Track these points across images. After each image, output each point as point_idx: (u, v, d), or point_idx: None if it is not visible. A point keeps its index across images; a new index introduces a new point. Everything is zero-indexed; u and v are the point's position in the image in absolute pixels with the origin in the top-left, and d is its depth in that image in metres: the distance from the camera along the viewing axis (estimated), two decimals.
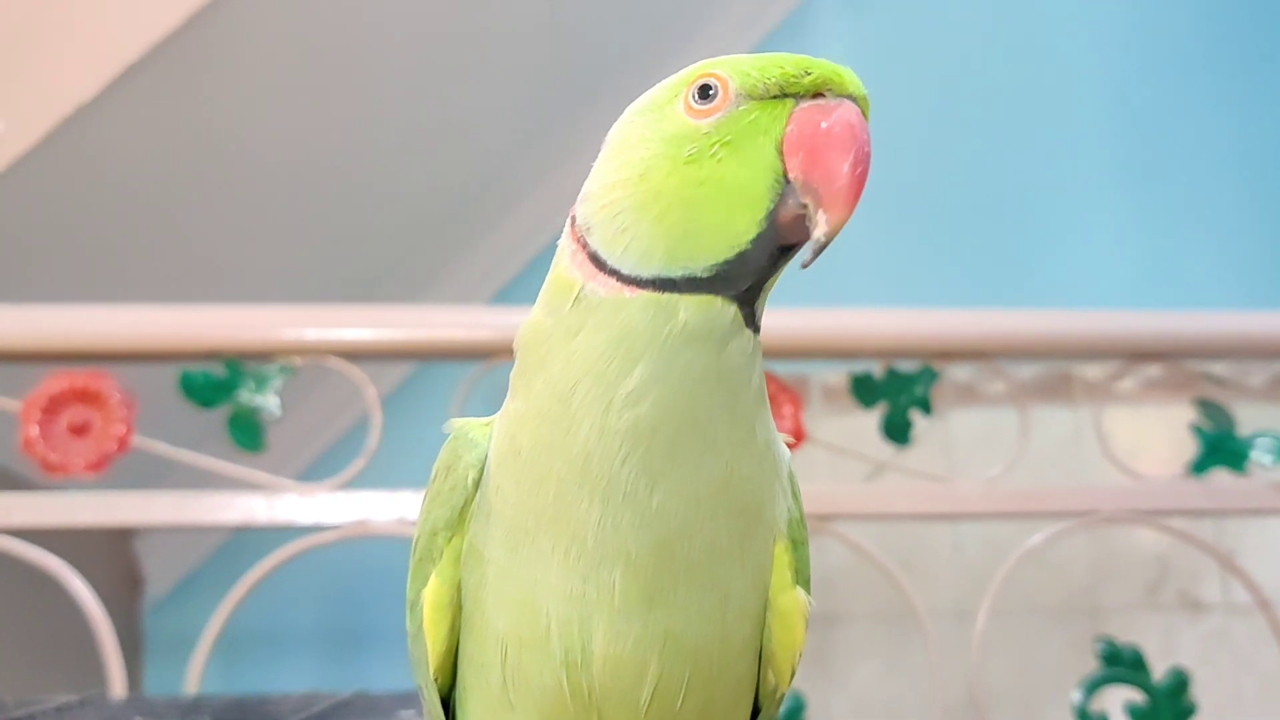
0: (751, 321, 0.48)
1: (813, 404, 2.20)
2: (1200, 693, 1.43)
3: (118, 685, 1.34)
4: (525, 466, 0.49)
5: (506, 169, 2.44)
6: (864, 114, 0.48)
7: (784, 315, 1.45)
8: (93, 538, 1.86)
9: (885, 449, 1.50)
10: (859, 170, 0.45)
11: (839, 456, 1.50)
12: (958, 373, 2.25)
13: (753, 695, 0.53)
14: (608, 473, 0.46)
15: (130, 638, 2.20)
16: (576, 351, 0.47)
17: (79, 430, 1.38)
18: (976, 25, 2.62)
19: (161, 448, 1.40)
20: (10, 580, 1.62)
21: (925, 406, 1.48)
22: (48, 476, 1.37)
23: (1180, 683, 1.41)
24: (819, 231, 0.45)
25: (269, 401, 1.41)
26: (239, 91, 1.78)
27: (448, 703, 0.55)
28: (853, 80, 0.48)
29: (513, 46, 2.18)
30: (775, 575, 0.51)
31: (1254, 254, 2.48)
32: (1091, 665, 1.44)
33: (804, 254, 0.46)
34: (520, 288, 2.48)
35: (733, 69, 0.47)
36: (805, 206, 0.46)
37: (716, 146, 0.47)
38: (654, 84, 0.50)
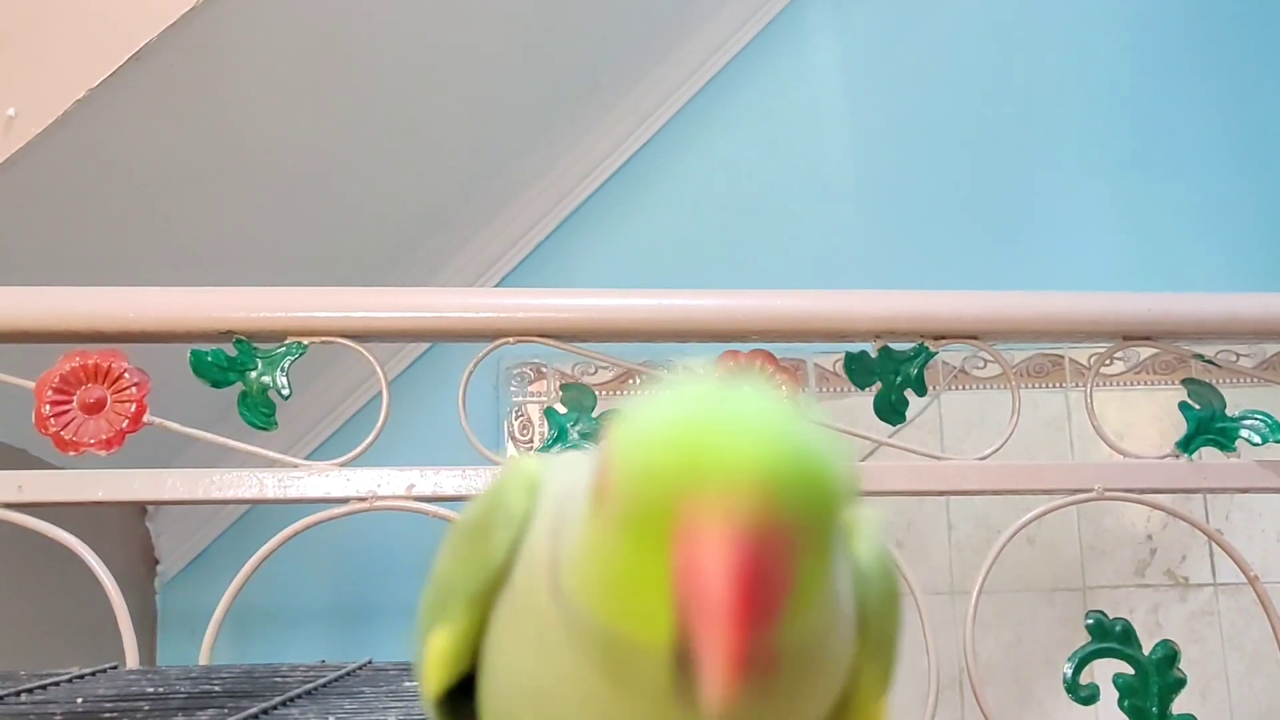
0: None
1: (808, 385, 2.23)
2: (1189, 668, 1.45)
3: (132, 660, 1.36)
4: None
5: (514, 157, 2.46)
6: (770, 509, 0.33)
7: (780, 298, 1.48)
8: (107, 515, 1.89)
9: (879, 428, 1.52)
10: (724, 643, 0.32)
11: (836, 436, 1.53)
12: (950, 356, 2.27)
13: None
14: None
15: (144, 614, 2.23)
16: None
17: (92, 408, 1.40)
18: (966, 14, 2.64)
19: (174, 426, 1.42)
20: (26, 557, 1.65)
21: (919, 386, 1.50)
22: (62, 454, 1.40)
23: (1169, 655, 1.43)
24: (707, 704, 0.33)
25: (279, 381, 1.43)
26: (251, 75, 1.79)
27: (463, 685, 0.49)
28: (736, 482, 0.33)
29: (519, 38, 2.19)
30: (861, 690, 0.43)
31: (1245, 236, 2.50)
32: (1081, 641, 1.46)
33: None
34: (525, 273, 2.50)
35: (623, 456, 0.36)
36: None
37: (606, 546, 0.37)
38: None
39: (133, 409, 1.40)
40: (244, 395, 1.44)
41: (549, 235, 2.51)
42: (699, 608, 0.33)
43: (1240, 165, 2.55)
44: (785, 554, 0.33)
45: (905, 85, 2.58)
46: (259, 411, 1.43)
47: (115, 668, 1.28)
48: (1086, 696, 1.42)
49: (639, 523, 0.35)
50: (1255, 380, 2.09)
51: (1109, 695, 1.44)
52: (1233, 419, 1.51)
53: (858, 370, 1.50)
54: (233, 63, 1.75)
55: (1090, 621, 1.46)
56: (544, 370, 2.42)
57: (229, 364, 1.44)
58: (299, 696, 1.04)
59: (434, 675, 0.47)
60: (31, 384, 1.40)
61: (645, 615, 0.35)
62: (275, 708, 0.98)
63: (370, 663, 1.29)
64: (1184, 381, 1.54)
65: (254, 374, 1.43)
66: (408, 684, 1.13)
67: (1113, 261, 2.46)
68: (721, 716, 0.32)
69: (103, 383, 1.41)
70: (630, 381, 2.37)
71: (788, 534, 0.33)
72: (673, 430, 0.35)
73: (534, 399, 2.41)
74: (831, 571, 0.37)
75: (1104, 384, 2.23)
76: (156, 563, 2.30)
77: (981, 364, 2.29)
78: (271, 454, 1.43)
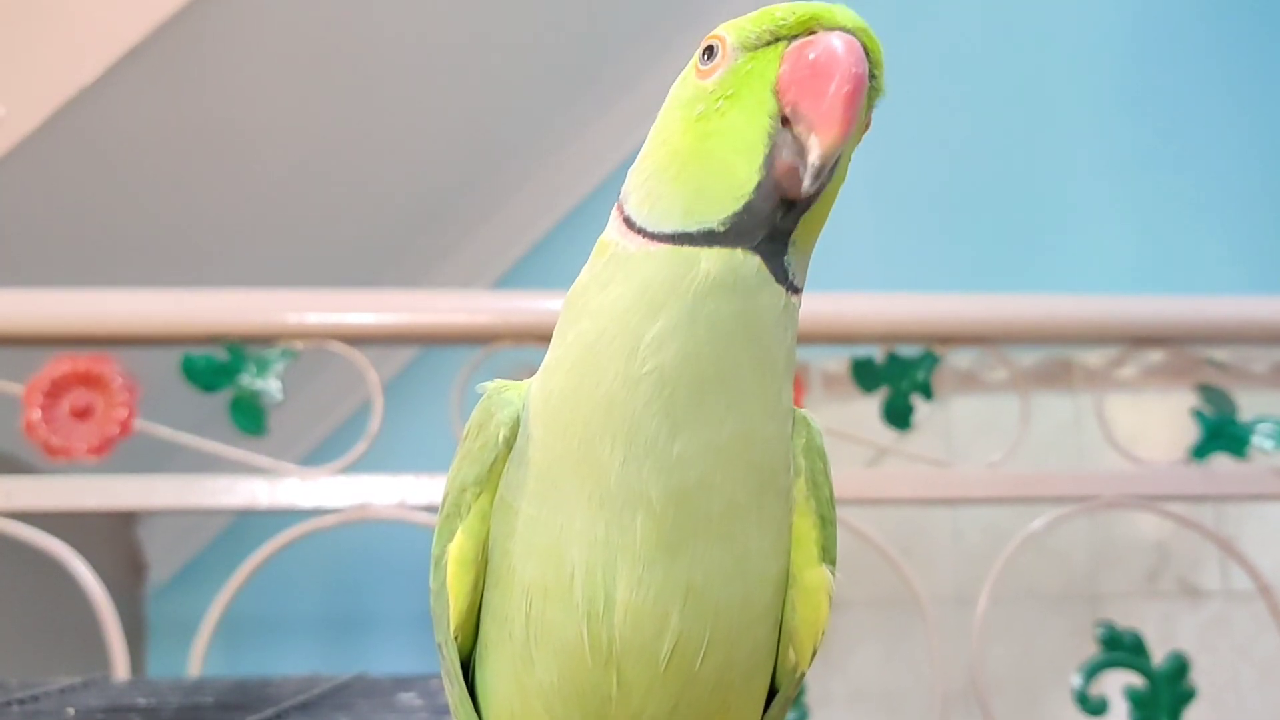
0: (785, 279, 0.49)
1: (814, 389, 2.20)
2: (1199, 678, 1.44)
3: (121, 669, 1.35)
4: (554, 412, 0.50)
5: (509, 155, 2.44)
6: (866, 44, 0.49)
7: None
8: (96, 522, 1.87)
9: (886, 434, 1.50)
10: (845, 89, 0.46)
11: (840, 441, 1.51)
12: (959, 359, 2.24)
13: (771, 671, 0.54)
14: (630, 417, 0.47)
15: (133, 622, 2.21)
16: (605, 303, 0.49)
17: (81, 414, 1.38)
18: (977, 13, 2.62)
19: (164, 431, 1.40)
20: (13, 564, 1.63)
21: (926, 391, 1.48)
22: (50, 460, 1.38)
23: (1180, 667, 1.42)
24: (813, 155, 0.46)
25: (271, 385, 1.41)
26: (241, 74, 1.78)
27: (467, 666, 0.55)
28: (844, 13, 0.49)
29: (514, 34, 2.17)
30: (801, 550, 0.52)
31: (1257, 239, 2.48)
32: (1091, 652, 1.45)
33: (806, 180, 0.47)
34: (523, 272, 2.48)
35: (730, 26, 0.50)
36: (800, 154, 0.47)
37: (720, 100, 0.49)
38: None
39: (123, 415, 1.38)
40: (236, 400, 1.42)
41: (547, 234, 2.49)
42: (817, 80, 0.46)
43: (1256, 160, 2.52)
44: (866, 78, 0.47)
45: (914, 85, 2.55)
46: (251, 417, 1.41)
47: (104, 677, 1.26)
48: (1096, 708, 1.40)
49: (747, 64, 0.49)
50: (1269, 384, 2.07)
51: (1119, 706, 1.42)
52: (1246, 425, 1.49)
53: (865, 375, 1.48)
54: (225, 61, 1.73)
55: (1101, 632, 1.45)
56: None
57: (221, 368, 1.42)
58: (292, 709, 1.02)
59: (458, 583, 0.52)
60: (20, 389, 1.38)
61: (744, 151, 0.47)
62: None
63: (364, 675, 1.27)
64: (1196, 388, 1.52)
65: (246, 379, 1.41)
66: (402, 696, 1.11)
67: (1126, 262, 2.43)
68: (826, 159, 0.45)
69: (93, 389, 1.39)
70: None
71: (869, 65, 0.48)
72: (783, 5, 0.49)
73: None
74: (858, 141, 0.50)
75: (1115, 388, 2.20)
76: (146, 570, 2.28)
77: (991, 367, 2.27)
78: (264, 460, 1.40)
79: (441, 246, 2.44)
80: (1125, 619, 1.52)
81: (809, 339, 1.45)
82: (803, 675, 0.54)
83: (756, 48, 0.49)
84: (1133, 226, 2.50)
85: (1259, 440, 1.49)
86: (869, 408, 1.50)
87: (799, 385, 1.43)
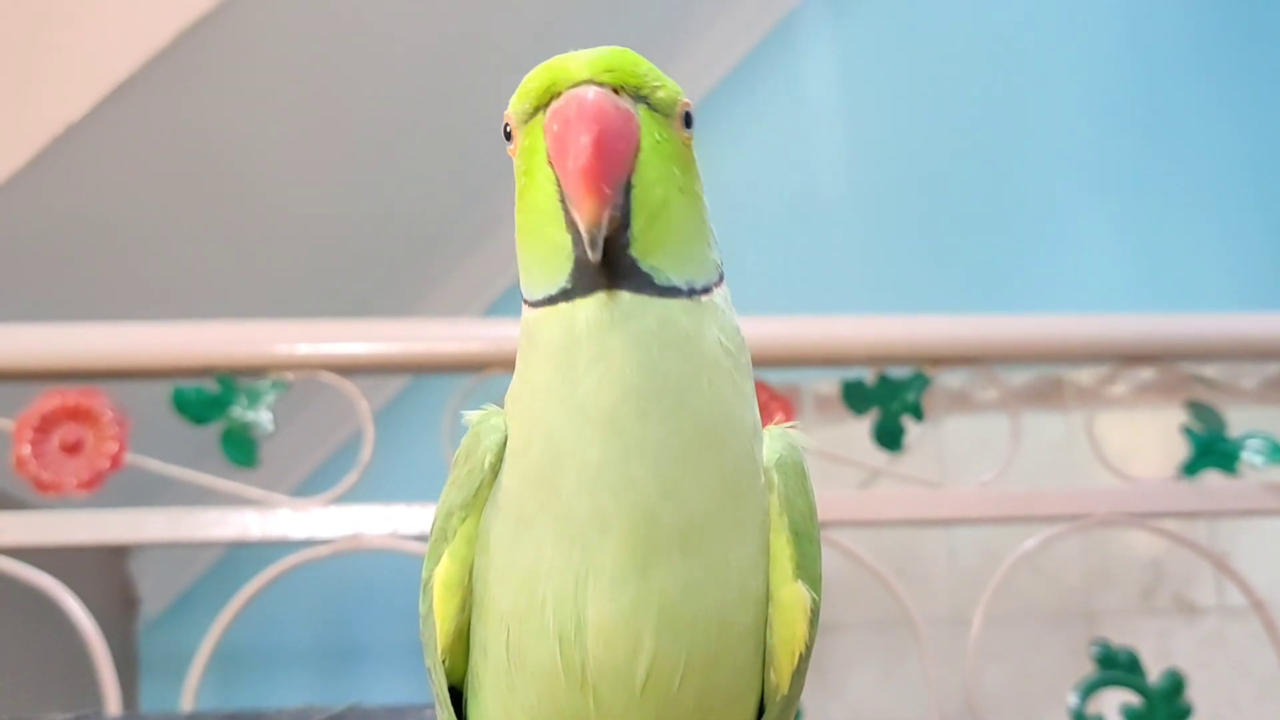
0: (672, 291, 0.50)
1: (805, 412, 2.21)
2: (1196, 696, 1.43)
3: (113, 704, 1.34)
4: (518, 446, 0.51)
5: (499, 182, 2.44)
6: (616, 77, 0.49)
7: (774, 323, 1.46)
8: (87, 557, 1.86)
9: (878, 456, 1.50)
10: (581, 163, 0.46)
11: (832, 464, 1.51)
12: (949, 379, 2.25)
13: (758, 696, 0.53)
14: (578, 451, 0.48)
15: (125, 656, 2.19)
16: (530, 367, 0.51)
17: (71, 448, 1.38)
18: (964, 31, 2.63)
19: (155, 465, 1.40)
20: (3, 600, 1.62)
21: (917, 413, 1.48)
22: (41, 495, 1.37)
23: (1176, 685, 1.42)
24: (581, 229, 0.46)
25: (262, 417, 1.41)
26: (231, 107, 1.78)
27: (459, 694, 0.56)
28: (579, 62, 0.49)
29: (507, 62, 2.18)
30: (776, 567, 0.52)
31: (1245, 255, 2.49)
32: (1087, 670, 1.44)
33: (588, 249, 0.47)
34: (514, 300, 2.47)
35: (512, 99, 0.52)
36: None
37: (523, 176, 0.51)
38: None
39: (114, 449, 1.38)
40: (227, 432, 1.41)
41: None
42: (556, 156, 0.47)
43: (1247, 175, 2.53)
44: (620, 104, 0.48)
45: (901, 103, 2.56)
46: (242, 449, 1.41)
47: (97, 713, 1.25)
48: None
49: (525, 140, 0.50)
50: (1258, 400, 2.08)
51: None
52: (1235, 441, 1.49)
53: (855, 397, 1.48)
54: (213, 97, 1.73)
55: (1096, 650, 1.45)
56: None
57: (212, 401, 1.41)
58: None
59: (444, 606, 0.53)
60: (10, 424, 1.38)
61: (551, 217, 0.49)
62: None
63: (358, 705, 1.26)
64: (1186, 405, 1.53)
65: (236, 410, 1.41)
66: None
67: (1117, 281, 2.44)
68: (590, 232, 0.45)
69: (83, 423, 1.39)
70: None
71: (633, 89, 0.49)
72: (535, 70, 0.50)
73: None
74: (671, 157, 0.50)
75: (1107, 406, 2.20)
76: (138, 604, 2.26)
77: (982, 387, 2.27)
78: (255, 492, 1.40)
79: (432, 275, 2.44)
80: (1121, 637, 1.52)
81: (798, 361, 1.45)
82: (786, 700, 0.54)
83: (527, 121, 0.51)
84: (1123, 244, 2.50)
85: (1249, 456, 1.49)
86: (860, 430, 1.50)
87: (789, 407, 1.42)
